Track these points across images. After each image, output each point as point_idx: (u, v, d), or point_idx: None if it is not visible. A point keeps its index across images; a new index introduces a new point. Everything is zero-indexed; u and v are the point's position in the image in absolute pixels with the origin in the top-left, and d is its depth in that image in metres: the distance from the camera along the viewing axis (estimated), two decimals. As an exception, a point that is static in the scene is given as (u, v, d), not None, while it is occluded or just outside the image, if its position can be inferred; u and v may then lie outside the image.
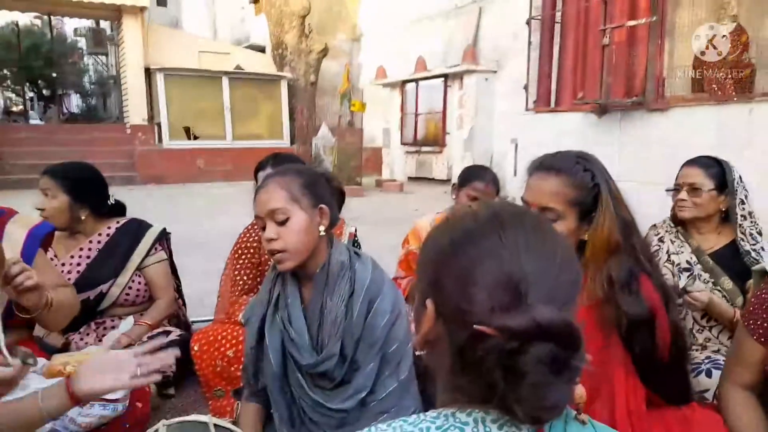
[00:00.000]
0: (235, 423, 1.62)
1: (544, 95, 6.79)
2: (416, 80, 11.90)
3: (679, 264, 1.99)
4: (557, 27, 6.66)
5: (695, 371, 1.73)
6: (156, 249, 2.36)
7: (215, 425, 1.44)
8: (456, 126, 10.88)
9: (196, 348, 2.04)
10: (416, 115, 12.15)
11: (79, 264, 2.22)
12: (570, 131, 6.21)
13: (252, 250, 2.21)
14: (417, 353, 1.42)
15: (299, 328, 1.41)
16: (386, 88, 12.84)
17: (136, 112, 12.51)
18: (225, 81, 12.83)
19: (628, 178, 4.82)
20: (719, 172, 1.94)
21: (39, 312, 1.54)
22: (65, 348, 2.11)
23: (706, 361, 1.78)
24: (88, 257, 2.24)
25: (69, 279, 2.10)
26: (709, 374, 1.71)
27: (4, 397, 1.21)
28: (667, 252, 2.03)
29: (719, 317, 1.88)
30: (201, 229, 6.19)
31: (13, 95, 24.82)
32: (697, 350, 1.90)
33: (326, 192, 1.45)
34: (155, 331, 2.27)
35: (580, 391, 0.64)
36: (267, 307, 1.47)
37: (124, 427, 1.64)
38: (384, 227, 5.80)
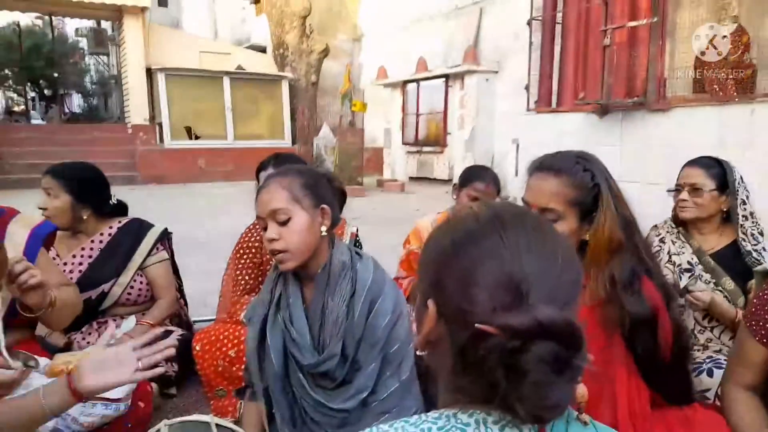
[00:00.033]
0: (236, 423, 1.62)
1: (545, 96, 6.79)
2: (417, 80, 11.89)
3: (680, 264, 1.98)
4: (558, 28, 6.66)
5: (696, 371, 1.73)
6: (157, 249, 2.36)
7: (217, 425, 1.44)
8: (457, 126, 10.88)
9: (197, 348, 2.04)
10: (417, 115, 12.14)
11: (80, 263, 2.23)
12: (571, 132, 6.21)
13: (253, 250, 2.21)
14: (418, 353, 1.42)
15: (301, 328, 1.41)
16: (387, 88, 12.83)
17: (137, 112, 12.53)
18: (226, 81, 12.84)
19: (630, 178, 4.83)
20: (720, 172, 1.94)
21: (43, 311, 1.54)
22: (67, 347, 2.12)
23: (708, 360, 1.78)
24: (90, 257, 2.25)
25: (71, 278, 2.10)
26: (710, 374, 1.71)
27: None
28: (668, 252, 2.02)
29: (721, 317, 1.88)
30: (202, 229, 6.19)
31: (14, 95, 24.89)
32: (698, 350, 1.90)
33: (328, 192, 1.45)
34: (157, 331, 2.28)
35: (581, 390, 0.64)
36: (268, 307, 1.47)
37: (126, 427, 1.64)
38: (385, 227, 5.80)
